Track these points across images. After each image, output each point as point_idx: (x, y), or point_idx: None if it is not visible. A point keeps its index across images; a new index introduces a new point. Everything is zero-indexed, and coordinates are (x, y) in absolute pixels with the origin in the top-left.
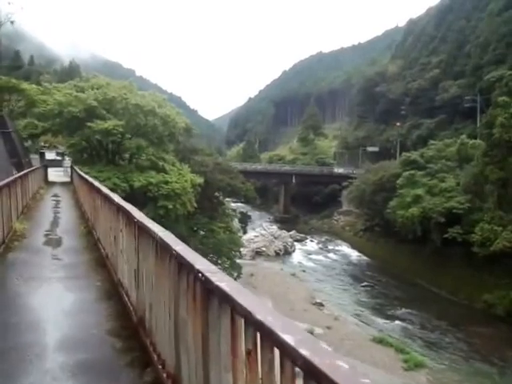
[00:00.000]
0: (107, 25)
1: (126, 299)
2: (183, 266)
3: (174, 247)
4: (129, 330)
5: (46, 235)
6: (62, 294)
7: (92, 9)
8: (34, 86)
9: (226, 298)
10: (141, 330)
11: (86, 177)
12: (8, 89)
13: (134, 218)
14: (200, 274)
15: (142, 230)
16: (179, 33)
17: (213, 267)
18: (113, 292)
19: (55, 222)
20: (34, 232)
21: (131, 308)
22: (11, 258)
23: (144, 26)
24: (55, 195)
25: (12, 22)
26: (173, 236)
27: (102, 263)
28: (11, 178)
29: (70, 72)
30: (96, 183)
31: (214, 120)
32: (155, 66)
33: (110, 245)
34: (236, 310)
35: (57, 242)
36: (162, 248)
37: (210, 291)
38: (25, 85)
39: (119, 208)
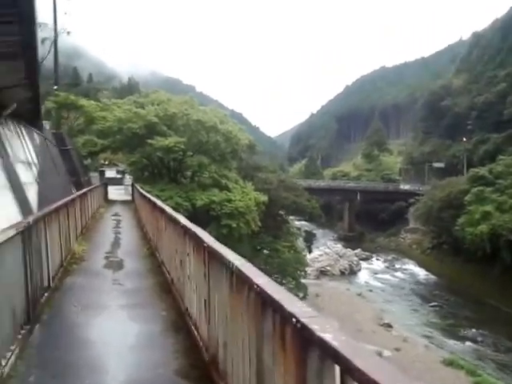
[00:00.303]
0: (167, 41)
1: (195, 333)
2: (268, 303)
3: (254, 280)
4: (199, 369)
5: (107, 257)
6: (124, 324)
7: (151, 25)
8: (92, 102)
9: (332, 355)
10: (213, 372)
11: (149, 196)
12: (67, 105)
13: (204, 242)
14: (294, 320)
15: (214, 256)
16: (241, 49)
17: (308, 310)
18: (180, 323)
19: (116, 243)
20: (93, 254)
21: (201, 343)
22: (69, 282)
23: (205, 42)
24: (116, 214)
25: (68, 33)
26: (252, 266)
27: (166, 289)
28: (70, 198)
29: (129, 89)
30: (159, 203)
31: (275, 137)
32: (216, 82)
33: (175, 269)
34: (349, 372)
35: (118, 265)
36: (239, 279)
37: (307, 341)
38: (83, 101)
39: (186, 230)
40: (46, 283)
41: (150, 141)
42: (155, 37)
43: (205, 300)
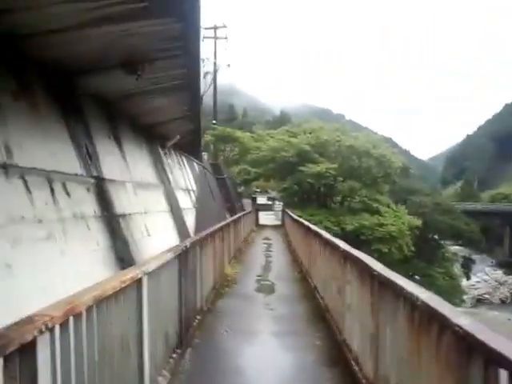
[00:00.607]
0: (317, 72)
1: (356, 368)
2: (477, 352)
3: (454, 320)
4: None
5: (258, 280)
6: (276, 353)
7: (301, 58)
8: (247, 134)
9: None
10: None
11: (301, 220)
12: (224, 138)
13: (374, 270)
14: None
15: (386, 285)
16: (389, 74)
17: None
18: (336, 356)
19: (267, 267)
20: (245, 277)
21: (364, 382)
22: (221, 305)
23: (351, 69)
24: (266, 238)
25: (229, 65)
26: (443, 301)
27: (320, 316)
28: (224, 222)
29: (281, 121)
30: (313, 227)
31: (427, 160)
32: (364, 109)
33: (331, 296)
34: None
35: (269, 289)
36: (426, 316)
37: None
38: (239, 133)
39: (347, 256)
40: (198, 306)
41: (301, 168)
42: (305, 69)
43: (371, 334)
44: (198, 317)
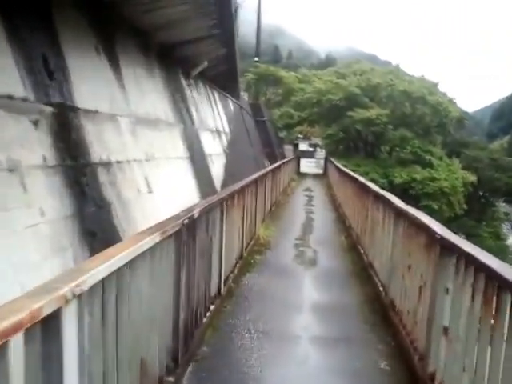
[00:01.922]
0: (363, 16)
1: None
2: None
3: None
4: None
5: (296, 246)
6: (320, 378)
7: (348, 2)
8: (292, 73)
9: None
10: None
11: (353, 175)
12: (266, 77)
13: None
14: None
15: None
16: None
17: None
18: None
19: (308, 226)
20: (280, 240)
21: None
22: (246, 284)
23: (401, 15)
24: (307, 189)
25: None
26: None
27: (381, 312)
28: (261, 173)
29: (327, 65)
30: (373, 187)
31: (473, 112)
32: (413, 57)
33: (397, 282)
34: None
35: (310, 261)
36: None
37: None
38: (283, 72)
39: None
40: (214, 291)
41: (349, 113)
42: (352, 13)
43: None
44: (213, 306)
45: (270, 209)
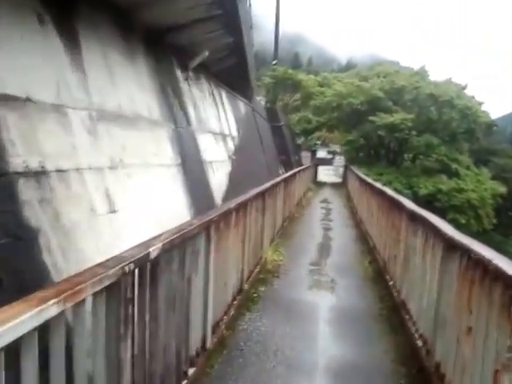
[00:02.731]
0: (385, 24)
1: None
2: None
3: None
4: None
5: (310, 273)
6: None
7: (369, 8)
8: (311, 76)
9: None
10: None
11: (377, 185)
12: (284, 80)
13: None
14: None
15: None
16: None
17: None
18: None
19: (324, 247)
20: (292, 265)
21: None
22: (245, 329)
23: (421, 22)
24: (324, 201)
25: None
26: None
27: (420, 370)
28: (269, 184)
29: (347, 71)
30: (402, 199)
31: (496, 119)
32: (435, 62)
33: (448, 344)
34: None
35: (327, 295)
36: None
37: None
38: (301, 75)
39: None
40: (195, 347)
41: (371, 117)
42: (373, 20)
43: None
44: (192, 370)
45: (282, 225)
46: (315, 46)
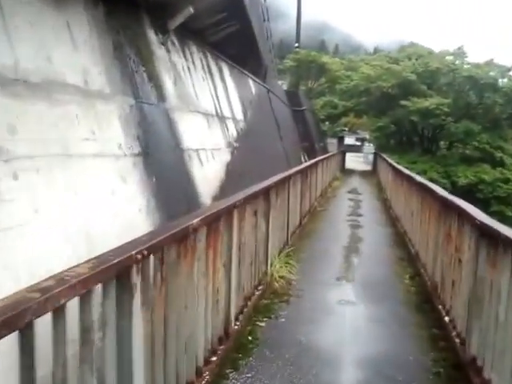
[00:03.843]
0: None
1: None
2: None
3: None
4: None
5: (332, 294)
6: None
7: None
8: (336, 59)
9: None
10: None
11: (420, 180)
12: (307, 63)
13: None
14: None
15: None
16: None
17: None
18: None
19: (351, 254)
20: (308, 283)
21: None
22: None
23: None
24: (353, 191)
25: None
26: None
27: None
28: (279, 177)
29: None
30: (462, 204)
31: None
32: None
33: None
34: None
35: (355, 336)
36: None
37: None
38: (326, 58)
39: None
40: None
41: (403, 102)
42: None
43: None
44: None
45: (300, 223)
46: (342, 34)
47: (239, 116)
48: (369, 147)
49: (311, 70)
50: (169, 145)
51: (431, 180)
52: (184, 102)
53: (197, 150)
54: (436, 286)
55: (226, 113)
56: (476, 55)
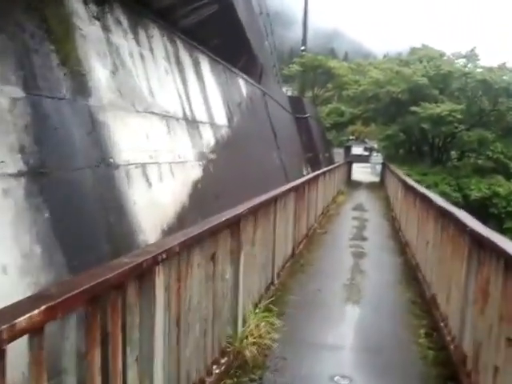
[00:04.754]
0: (424, 17)
1: None
2: None
3: None
4: None
5: (325, 358)
6: None
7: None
8: (344, 63)
9: None
10: None
11: (441, 203)
12: (314, 68)
13: None
14: None
15: None
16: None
17: None
18: None
19: (351, 297)
20: (291, 345)
21: None
22: None
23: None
24: (358, 208)
25: None
26: None
27: None
28: (264, 198)
29: None
30: (488, 233)
31: None
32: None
33: None
34: None
35: None
36: None
37: None
38: (333, 62)
39: None
40: None
41: (413, 108)
42: (412, 12)
43: None
44: None
45: (293, 253)
46: (351, 41)
47: (221, 121)
48: (377, 157)
49: (318, 76)
50: (88, 159)
51: (443, 194)
52: (127, 99)
53: (143, 165)
54: (464, 358)
55: (201, 116)
56: (487, 59)
